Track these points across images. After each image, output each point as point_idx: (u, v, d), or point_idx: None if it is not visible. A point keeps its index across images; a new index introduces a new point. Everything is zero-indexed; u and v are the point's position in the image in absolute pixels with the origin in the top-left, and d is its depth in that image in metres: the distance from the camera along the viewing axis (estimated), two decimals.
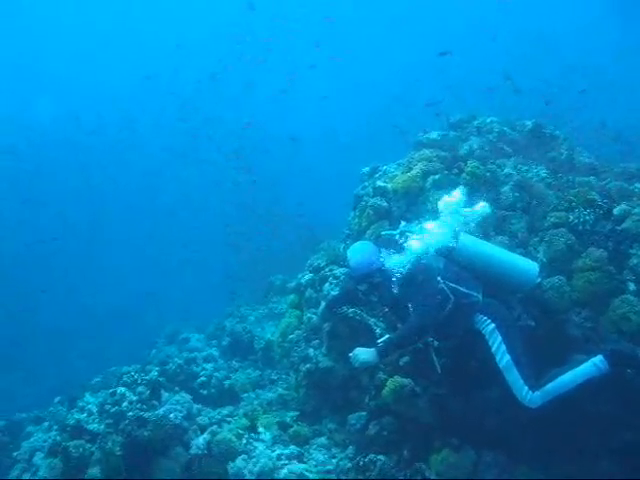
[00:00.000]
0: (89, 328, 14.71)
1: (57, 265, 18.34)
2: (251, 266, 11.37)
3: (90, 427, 5.57)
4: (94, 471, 5.25)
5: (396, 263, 4.65)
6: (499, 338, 4.32)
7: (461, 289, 4.48)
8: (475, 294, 4.49)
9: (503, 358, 4.26)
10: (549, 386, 4.14)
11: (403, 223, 4.94)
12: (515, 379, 4.21)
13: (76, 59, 29.60)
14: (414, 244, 4.66)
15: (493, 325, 4.37)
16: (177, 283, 17.29)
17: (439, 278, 4.49)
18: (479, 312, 4.45)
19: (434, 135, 6.69)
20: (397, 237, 4.80)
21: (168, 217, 20.96)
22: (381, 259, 4.72)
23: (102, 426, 5.56)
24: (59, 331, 14.65)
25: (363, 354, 4.43)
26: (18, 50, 29.30)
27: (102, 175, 22.76)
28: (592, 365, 4.09)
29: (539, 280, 4.77)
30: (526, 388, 4.15)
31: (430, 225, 4.77)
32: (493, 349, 4.33)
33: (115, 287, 17.42)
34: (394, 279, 4.61)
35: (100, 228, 21.63)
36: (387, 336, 4.58)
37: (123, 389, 5.77)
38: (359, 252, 4.84)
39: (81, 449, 5.34)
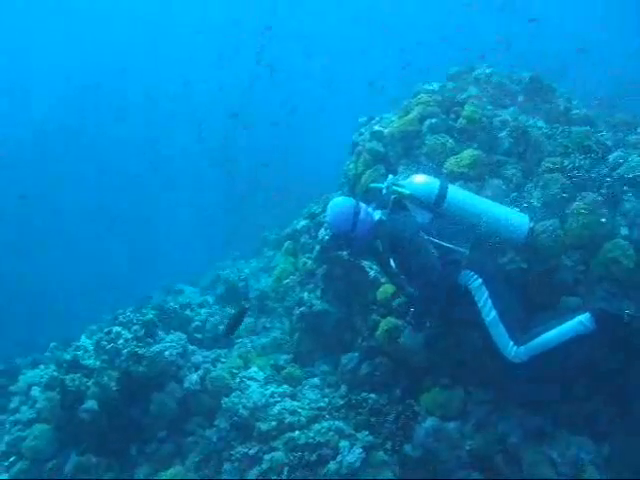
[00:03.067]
0: (84, 292, 14.81)
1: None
2: (246, 221, 11.38)
3: (86, 362, 5.65)
4: (90, 404, 5.36)
5: (377, 219, 4.66)
6: (486, 293, 4.34)
7: (446, 244, 4.45)
8: (461, 249, 4.46)
9: (490, 314, 4.29)
10: (534, 342, 4.18)
11: (390, 176, 4.86)
12: (501, 335, 4.25)
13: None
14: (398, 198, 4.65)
15: (480, 280, 4.38)
16: (174, 244, 17.35)
17: (422, 233, 4.46)
18: (465, 267, 4.44)
19: (433, 86, 6.67)
20: (384, 191, 4.74)
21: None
22: (359, 217, 4.61)
23: (98, 362, 5.64)
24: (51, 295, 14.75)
25: (407, 339, 4.76)
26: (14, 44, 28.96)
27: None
28: (579, 323, 4.11)
29: (531, 225, 4.81)
30: (511, 343, 4.20)
31: (418, 178, 4.71)
32: (479, 305, 4.35)
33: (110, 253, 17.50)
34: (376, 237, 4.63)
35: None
36: (411, 310, 4.62)
37: (119, 328, 5.84)
38: (336, 210, 4.70)
39: (77, 382, 5.43)
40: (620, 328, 4.02)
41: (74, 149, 22.92)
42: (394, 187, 4.65)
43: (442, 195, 4.57)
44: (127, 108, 23.06)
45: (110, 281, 15.82)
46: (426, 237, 4.45)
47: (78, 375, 5.50)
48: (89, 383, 5.47)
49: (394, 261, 4.57)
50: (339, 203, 4.74)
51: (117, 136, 22.97)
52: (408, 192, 4.60)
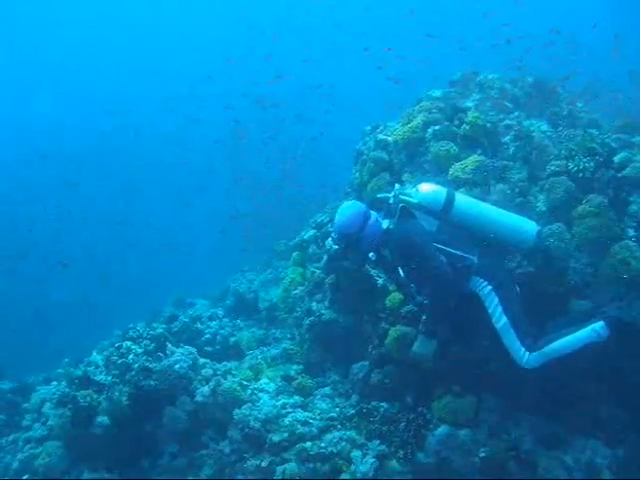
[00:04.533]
0: (97, 304, 14.89)
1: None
2: (255, 233, 11.39)
3: (97, 378, 5.67)
4: (102, 419, 5.38)
5: (385, 228, 4.66)
6: (496, 300, 4.33)
7: (455, 252, 4.45)
8: (470, 256, 4.46)
9: (500, 320, 4.28)
10: (547, 349, 4.16)
11: (397, 186, 4.85)
12: (512, 341, 4.24)
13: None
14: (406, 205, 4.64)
15: (490, 287, 4.37)
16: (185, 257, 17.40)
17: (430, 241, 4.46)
18: (475, 274, 4.44)
19: (436, 93, 6.69)
20: (390, 200, 4.71)
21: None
22: (368, 222, 4.62)
23: (109, 377, 5.65)
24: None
25: (419, 347, 4.62)
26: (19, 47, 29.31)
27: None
28: (592, 331, 4.09)
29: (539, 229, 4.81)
30: (523, 349, 4.18)
31: (425, 187, 4.69)
32: (490, 311, 4.34)
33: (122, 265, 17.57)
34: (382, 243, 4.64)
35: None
36: (423, 317, 4.63)
37: (129, 343, 5.85)
38: (346, 212, 4.70)
39: (89, 398, 5.44)
40: (635, 336, 3.99)
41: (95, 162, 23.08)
42: (401, 196, 4.64)
43: (449, 202, 4.56)
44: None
45: (125, 295, 15.91)
46: (435, 245, 4.43)
47: (89, 391, 5.52)
48: (100, 399, 5.49)
49: (403, 270, 4.57)
50: (350, 206, 4.75)
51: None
52: (416, 201, 4.60)
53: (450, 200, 4.57)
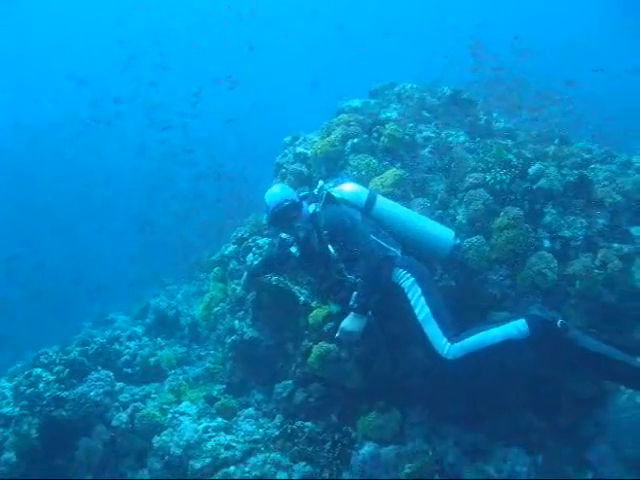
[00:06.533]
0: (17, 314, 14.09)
1: None
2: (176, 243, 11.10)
3: (3, 410, 5.29)
4: (9, 456, 5.02)
5: (312, 212, 4.73)
6: (419, 290, 4.32)
7: (379, 241, 4.50)
8: (393, 249, 4.52)
9: (422, 310, 4.26)
10: (469, 339, 4.14)
11: (321, 182, 4.92)
12: (434, 331, 4.20)
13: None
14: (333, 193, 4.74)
15: (413, 279, 4.38)
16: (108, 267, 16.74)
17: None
18: (398, 267, 4.46)
19: (355, 103, 6.68)
20: (315, 191, 4.85)
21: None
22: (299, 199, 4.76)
23: (17, 409, 5.29)
24: None
25: (349, 323, 4.39)
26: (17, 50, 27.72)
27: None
28: (513, 327, 4.10)
29: (458, 242, 4.85)
30: (445, 339, 4.15)
31: (348, 186, 4.80)
32: (412, 302, 4.32)
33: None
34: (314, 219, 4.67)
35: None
36: (354, 294, 4.44)
37: (39, 370, 5.51)
38: (276, 189, 4.85)
39: None
40: (553, 335, 4.03)
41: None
42: (326, 188, 4.78)
43: (371, 203, 4.72)
44: None
45: (42, 309, 15.15)
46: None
47: None
48: (7, 433, 5.13)
49: (333, 247, 4.52)
50: (281, 186, 4.97)
51: None
52: (339, 196, 4.72)
53: (371, 201, 4.73)
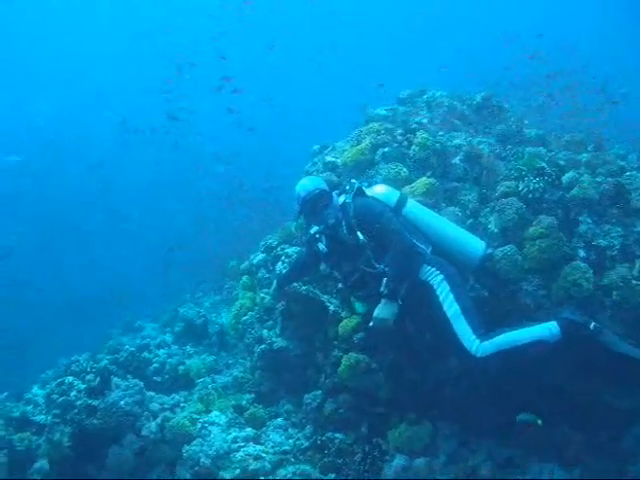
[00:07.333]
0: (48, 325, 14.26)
1: None
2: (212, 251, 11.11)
3: (36, 419, 5.35)
4: (41, 464, 5.07)
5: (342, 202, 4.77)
6: (447, 287, 4.27)
7: (409, 237, 4.45)
8: (422, 247, 4.49)
9: (452, 307, 4.20)
10: (499, 338, 4.07)
11: (354, 181, 4.90)
12: (463, 328, 4.14)
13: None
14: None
15: (442, 276, 4.34)
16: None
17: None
18: (427, 264, 4.42)
19: (383, 111, 6.64)
20: (347, 187, 4.86)
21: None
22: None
23: (49, 417, 5.34)
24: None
25: (381, 311, 4.35)
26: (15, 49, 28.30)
27: None
28: (544, 328, 4.04)
29: (489, 252, 4.77)
30: (474, 336, 4.08)
31: (379, 188, 4.84)
32: (441, 298, 4.27)
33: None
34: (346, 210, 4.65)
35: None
36: (384, 280, 4.38)
37: (71, 378, 5.55)
38: (306, 180, 4.95)
39: (27, 442, 5.13)
40: (586, 338, 3.95)
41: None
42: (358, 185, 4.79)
43: (402, 203, 4.72)
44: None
45: (73, 314, 15.32)
46: None
47: (27, 434, 5.21)
48: (40, 441, 5.18)
49: (363, 234, 4.49)
50: (312, 177, 5.19)
51: None
52: (371, 194, 4.74)
53: (402, 202, 4.73)
